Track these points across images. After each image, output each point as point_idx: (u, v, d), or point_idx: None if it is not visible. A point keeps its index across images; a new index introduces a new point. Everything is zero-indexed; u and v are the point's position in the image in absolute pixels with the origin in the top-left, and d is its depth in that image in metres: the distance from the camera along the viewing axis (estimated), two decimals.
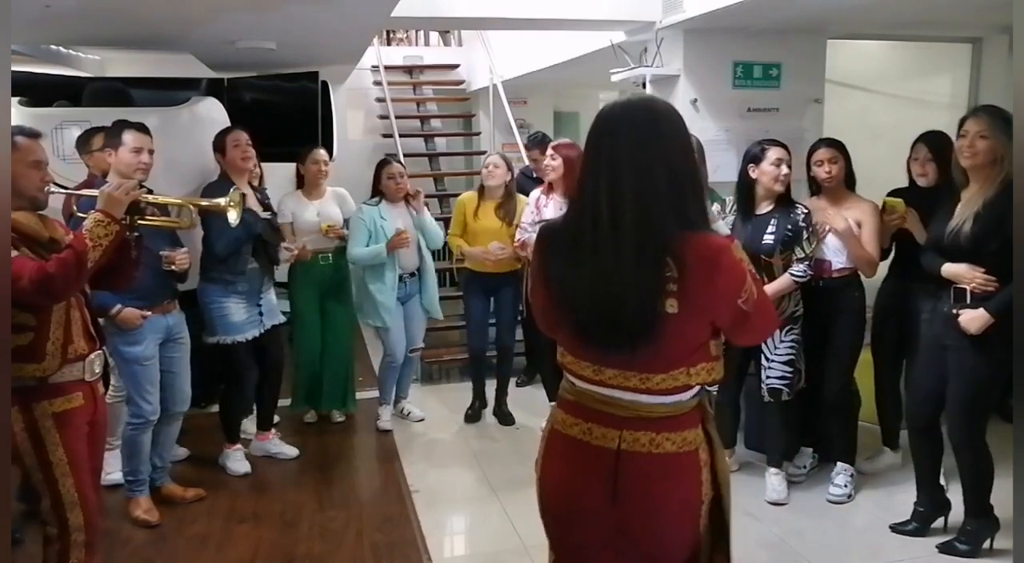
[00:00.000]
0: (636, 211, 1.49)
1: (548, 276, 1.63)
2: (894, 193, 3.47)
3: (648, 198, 1.49)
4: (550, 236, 1.65)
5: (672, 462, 1.58)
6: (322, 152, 4.28)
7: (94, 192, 2.35)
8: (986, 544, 2.96)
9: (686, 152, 1.56)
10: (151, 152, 3.14)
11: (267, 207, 3.83)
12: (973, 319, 2.75)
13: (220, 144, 3.67)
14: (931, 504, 3.12)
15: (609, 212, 1.50)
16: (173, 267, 3.20)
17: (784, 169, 3.23)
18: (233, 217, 2.78)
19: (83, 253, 2.13)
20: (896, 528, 3.16)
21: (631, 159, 1.50)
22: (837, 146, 3.36)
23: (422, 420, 4.50)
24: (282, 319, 3.96)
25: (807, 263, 3.23)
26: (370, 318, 4.25)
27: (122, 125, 3.15)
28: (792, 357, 3.31)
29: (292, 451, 4.03)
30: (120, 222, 2.24)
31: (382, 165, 4.27)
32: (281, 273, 4.51)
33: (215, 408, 4.48)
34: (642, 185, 1.50)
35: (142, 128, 3.15)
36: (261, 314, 3.75)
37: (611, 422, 1.59)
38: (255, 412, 4.08)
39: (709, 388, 1.66)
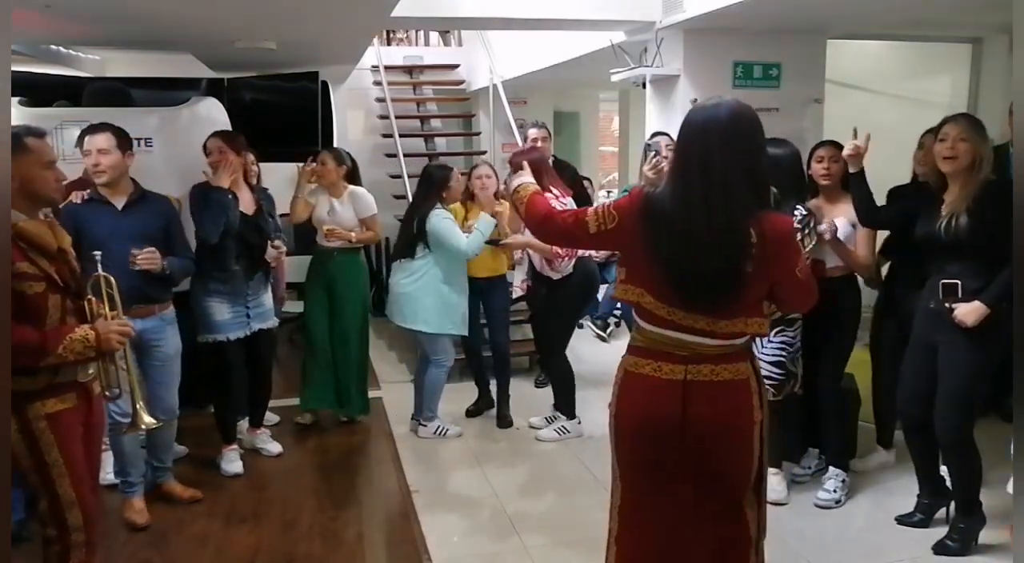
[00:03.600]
0: (726, 191, 1.84)
1: (649, 235, 1.92)
2: (894, 191, 3.46)
3: (734, 183, 1.85)
4: (652, 206, 1.94)
5: (730, 386, 1.95)
6: (323, 154, 4.25)
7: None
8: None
9: (761, 148, 1.94)
10: (102, 152, 3.09)
11: (261, 208, 3.78)
12: (970, 312, 2.77)
13: (205, 150, 3.67)
14: (933, 495, 3.17)
15: (705, 192, 1.85)
16: (137, 266, 3.08)
17: None
18: None
19: (45, 351, 2.08)
20: (901, 520, 3.20)
21: (720, 151, 1.85)
22: (838, 146, 3.37)
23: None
24: (275, 323, 3.94)
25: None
26: (456, 328, 4.13)
27: (83, 132, 3.15)
28: (781, 359, 3.29)
29: (276, 448, 4.05)
30: (102, 354, 2.23)
31: (444, 170, 4.21)
32: (299, 274, 4.52)
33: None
34: (729, 173, 1.85)
35: (97, 129, 3.14)
36: (248, 316, 3.74)
37: (676, 360, 1.95)
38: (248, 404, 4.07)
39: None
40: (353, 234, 4.23)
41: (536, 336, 4.52)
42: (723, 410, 1.95)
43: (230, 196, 3.56)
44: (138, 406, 2.49)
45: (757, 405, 1.99)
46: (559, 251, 3.88)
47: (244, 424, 4.11)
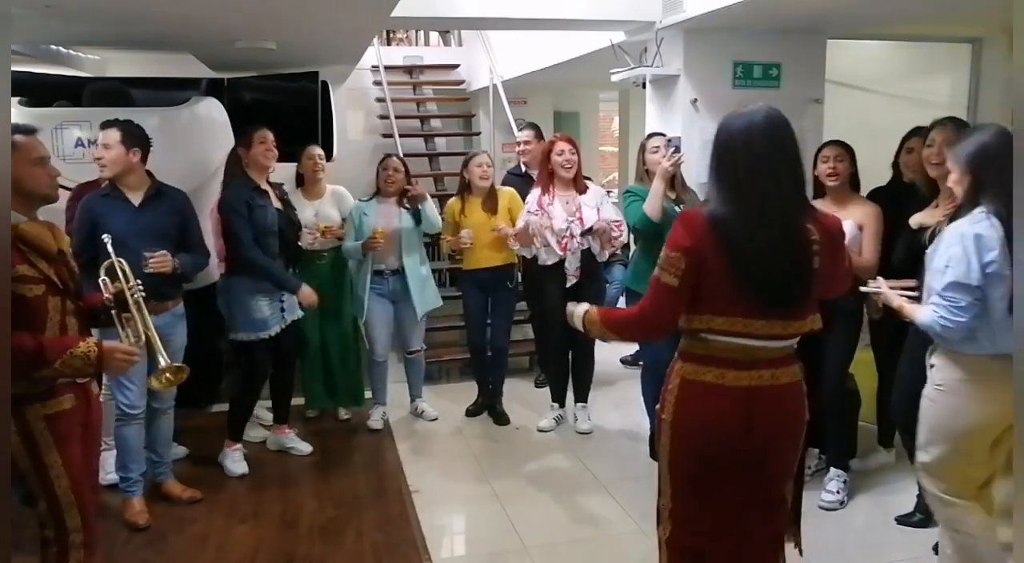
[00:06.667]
0: (780, 194, 1.90)
1: (721, 254, 1.89)
2: (874, 192, 3.45)
3: (784, 185, 1.91)
4: (715, 224, 1.91)
5: (788, 389, 2.00)
6: (316, 148, 4.31)
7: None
8: None
9: (796, 148, 1.99)
10: (106, 146, 3.17)
11: (285, 202, 3.88)
12: None
13: (247, 140, 3.71)
14: None
15: (763, 197, 1.89)
16: (148, 270, 3.07)
17: None
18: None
19: (42, 362, 2.06)
20: (901, 520, 3.22)
21: (770, 157, 1.92)
22: (844, 146, 3.36)
23: (435, 419, 4.52)
24: (300, 313, 3.95)
25: None
26: (352, 310, 4.38)
27: (100, 126, 3.23)
28: None
29: (306, 447, 4.07)
30: (99, 372, 2.24)
31: (381, 160, 4.37)
32: None
33: (215, 408, 4.49)
34: (779, 175, 1.91)
35: (108, 124, 3.21)
36: (283, 309, 3.79)
37: (740, 366, 1.95)
38: (271, 401, 4.10)
39: None
40: (342, 232, 4.27)
41: (542, 336, 4.47)
42: (783, 414, 2.00)
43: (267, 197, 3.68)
44: (160, 356, 2.40)
45: (806, 405, 2.06)
46: (616, 232, 4.01)
47: (252, 429, 4.11)
